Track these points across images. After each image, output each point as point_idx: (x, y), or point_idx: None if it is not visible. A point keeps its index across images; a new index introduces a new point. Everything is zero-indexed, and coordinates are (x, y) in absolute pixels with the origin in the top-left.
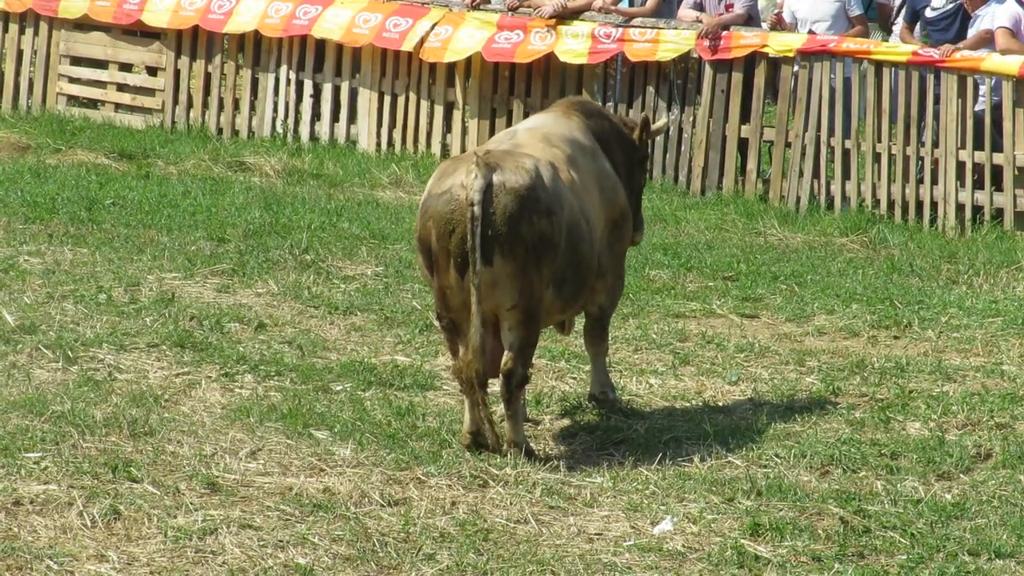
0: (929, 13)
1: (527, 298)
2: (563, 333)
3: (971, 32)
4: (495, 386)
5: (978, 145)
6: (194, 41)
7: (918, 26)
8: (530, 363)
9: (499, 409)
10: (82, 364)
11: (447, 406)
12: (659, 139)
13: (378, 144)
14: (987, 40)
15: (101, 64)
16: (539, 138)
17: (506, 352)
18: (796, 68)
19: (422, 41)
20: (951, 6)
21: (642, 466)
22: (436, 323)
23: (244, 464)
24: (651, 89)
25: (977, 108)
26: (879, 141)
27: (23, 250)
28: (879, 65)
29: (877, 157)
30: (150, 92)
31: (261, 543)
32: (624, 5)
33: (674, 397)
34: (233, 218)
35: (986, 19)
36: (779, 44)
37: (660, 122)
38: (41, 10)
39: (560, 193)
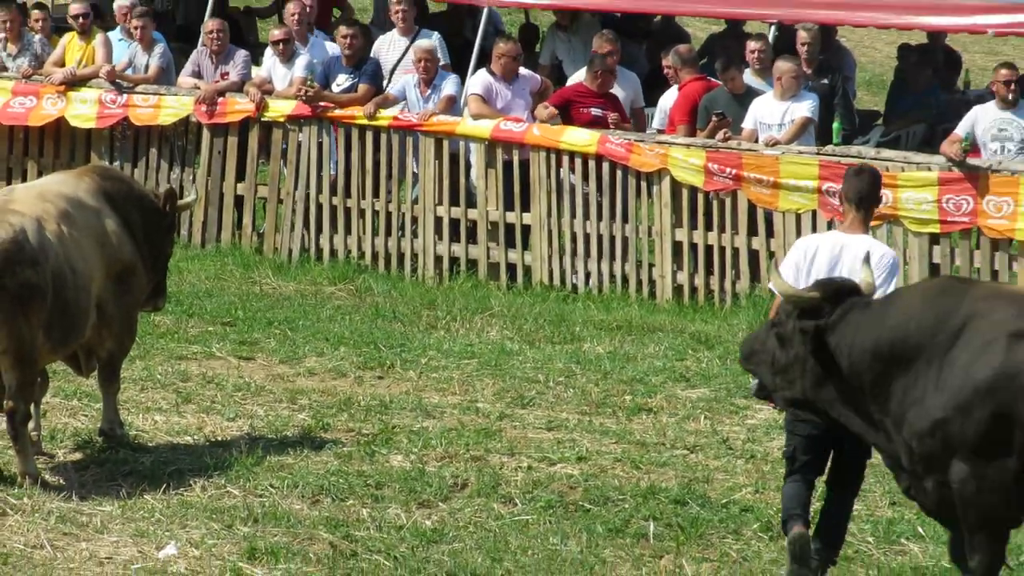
0: (335, 88)
1: (16, 342)
2: (82, 375)
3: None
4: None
5: (455, 201)
6: None
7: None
8: (31, 400)
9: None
10: None
11: None
12: None
13: None
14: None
15: None
16: (35, 195)
17: (7, 393)
18: (287, 131)
19: None
20: (348, 83)
21: (148, 495)
22: None
23: None
24: (154, 151)
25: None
26: (364, 198)
27: None
28: (363, 129)
29: (362, 212)
30: None
31: None
32: (129, 72)
33: (177, 432)
34: None
35: (447, 88)
36: (270, 110)
37: (188, 198)
38: None
39: (45, 245)
